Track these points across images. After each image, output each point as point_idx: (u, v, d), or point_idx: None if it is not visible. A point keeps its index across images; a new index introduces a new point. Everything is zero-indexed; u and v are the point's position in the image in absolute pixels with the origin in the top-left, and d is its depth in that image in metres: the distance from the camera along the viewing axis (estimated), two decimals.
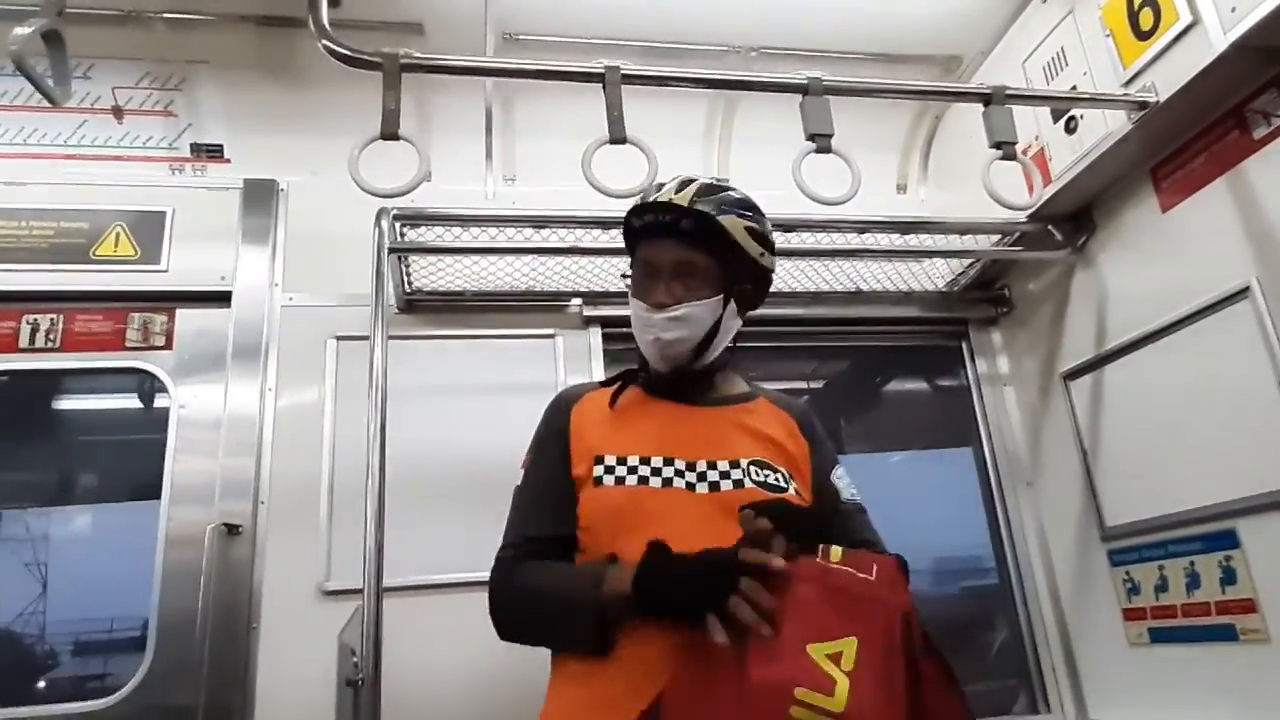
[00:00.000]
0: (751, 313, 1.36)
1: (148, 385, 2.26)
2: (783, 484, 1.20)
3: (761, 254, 1.28)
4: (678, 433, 1.24)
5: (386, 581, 1.70)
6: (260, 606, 2.02)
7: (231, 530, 2.05)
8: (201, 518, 2.06)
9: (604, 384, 1.35)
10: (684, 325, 1.23)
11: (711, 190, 1.25)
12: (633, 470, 1.19)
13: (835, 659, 0.94)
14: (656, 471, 1.19)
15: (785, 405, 1.36)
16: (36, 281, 2.18)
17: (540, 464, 1.28)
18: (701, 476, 1.19)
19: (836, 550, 1.01)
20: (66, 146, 2.31)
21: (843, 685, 0.91)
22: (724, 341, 1.29)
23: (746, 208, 1.28)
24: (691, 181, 1.26)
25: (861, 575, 1.00)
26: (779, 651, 0.95)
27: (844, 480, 1.32)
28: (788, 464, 1.25)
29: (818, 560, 1.01)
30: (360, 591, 1.69)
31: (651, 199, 1.25)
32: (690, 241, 1.24)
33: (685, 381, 1.31)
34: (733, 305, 1.27)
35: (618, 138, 1.58)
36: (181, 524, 2.07)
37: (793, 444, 1.29)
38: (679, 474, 1.19)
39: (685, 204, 1.22)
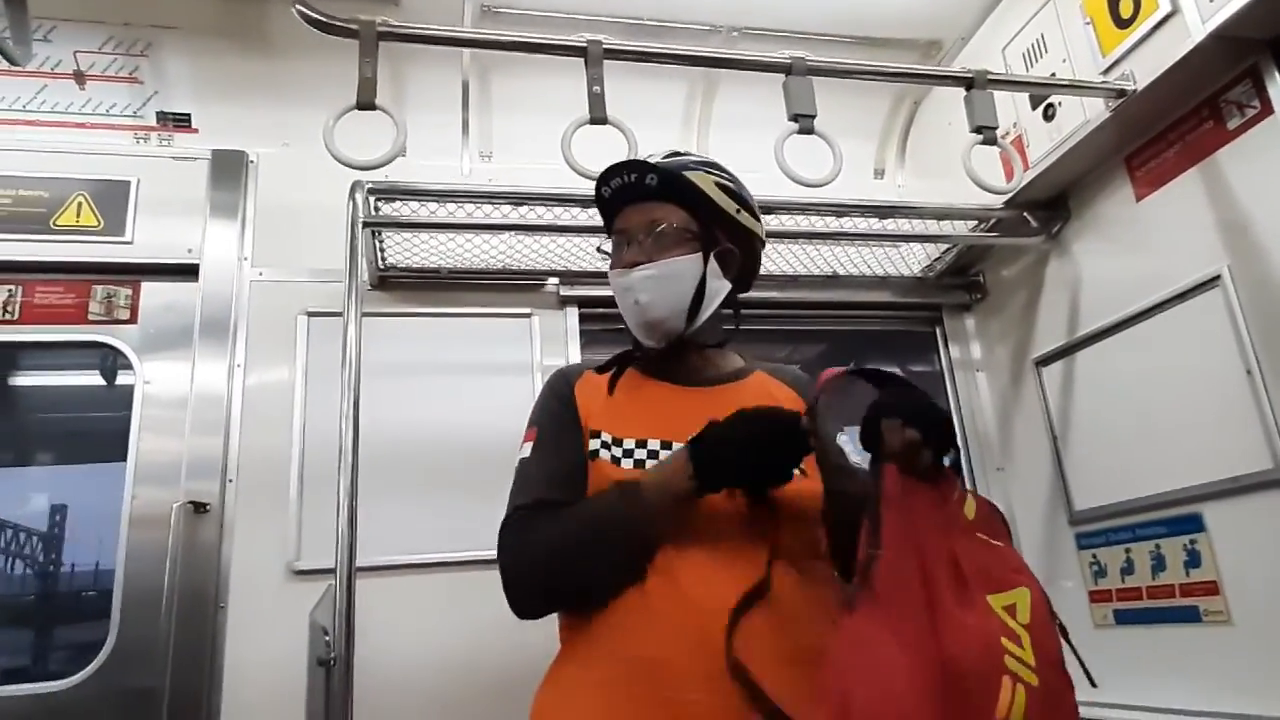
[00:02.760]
0: (746, 291, 1.33)
1: (111, 360, 2.21)
2: None
3: (739, 211, 1.25)
4: (674, 415, 1.19)
5: (358, 561, 1.68)
6: (229, 586, 1.98)
7: (199, 509, 2.01)
8: (167, 496, 2.01)
9: (600, 369, 1.30)
10: (662, 284, 1.20)
11: (679, 154, 1.27)
12: (628, 454, 1.16)
13: (1011, 611, 0.85)
14: (654, 455, 1.16)
15: (781, 375, 1.33)
16: None
17: (552, 431, 1.23)
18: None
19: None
20: (25, 111, 2.23)
21: (1026, 641, 0.83)
22: (711, 306, 1.24)
23: (716, 167, 1.27)
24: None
25: (997, 518, 0.93)
26: (965, 597, 0.85)
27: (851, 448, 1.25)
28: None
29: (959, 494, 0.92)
30: (331, 571, 1.66)
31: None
32: (660, 200, 1.22)
33: (679, 361, 1.27)
34: (715, 266, 1.23)
35: (598, 117, 1.55)
36: (146, 502, 2.03)
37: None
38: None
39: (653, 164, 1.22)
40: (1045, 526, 2.33)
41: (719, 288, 1.25)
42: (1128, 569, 2.04)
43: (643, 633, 1.04)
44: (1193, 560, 1.86)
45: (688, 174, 1.22)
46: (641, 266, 1.20)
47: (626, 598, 1.07)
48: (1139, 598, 2.00)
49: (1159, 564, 1.95)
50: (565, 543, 1.11)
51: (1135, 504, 2.01)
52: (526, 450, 1.23)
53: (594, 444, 1.18)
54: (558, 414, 1.24)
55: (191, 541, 1.99)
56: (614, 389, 1.25)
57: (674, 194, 1.22)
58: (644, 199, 1.23)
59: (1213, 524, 1.82)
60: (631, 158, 1.26)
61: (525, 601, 1.14)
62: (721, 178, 1.26)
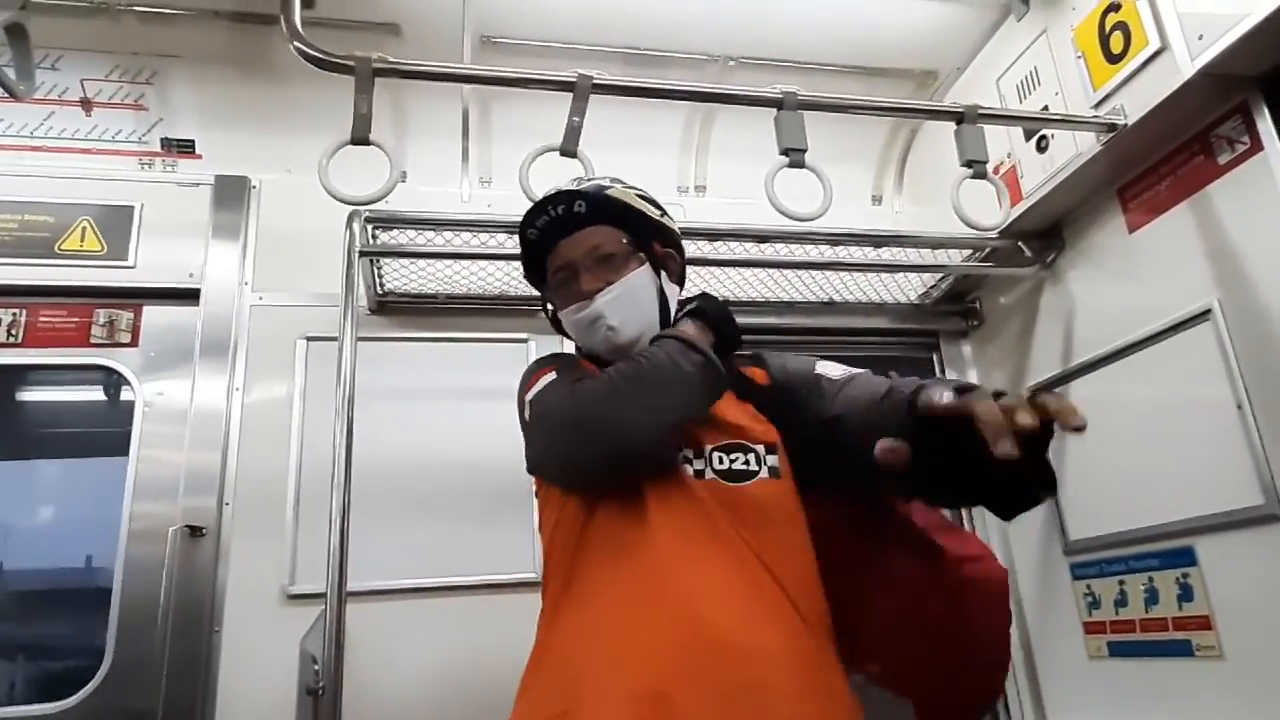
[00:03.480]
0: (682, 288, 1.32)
1: (113, 382, 2.23)
2: (751, 467, 1.12)
3: (663, 215, 1.27)
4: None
5: (351, 585, 1.68)
6: (223, 609, 1.99)
7: (195, 532, 2.02)
8: (165, 518, 2.03)
9: None
10: (627, 303, 1.19)
11: (601, 180, 1.26)
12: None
13: None
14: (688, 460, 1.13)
15: (753, 362, 1.29)
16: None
17: (573, 367, 1.21)
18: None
19: None
20: (33, 138, 2.26)
21: None
22: (673, 309, 1.25)
23: (620, 181, 1.27)
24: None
25: None
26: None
27: (832, 368, 1.22)
28: (765, 432, 1.16)
29: None
30: (325, 595, 1.68)
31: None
32: (592, 225, 1.21)
33: None
34: (664, 275, 1.25)
35: (568, 149, 1.58)
36: (144, 524, 2.04)
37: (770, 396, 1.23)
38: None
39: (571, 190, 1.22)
40: (1040, 556, 2.33)
41: (673, 293, 1.27)
42: (1121, 601, 2.03)
43: (638, 659, 0.98)
44: (1185, 594, 1.86)
45: (608, 193, 1.22)
46: (603, 291, 1.18)
47: (612, 596, 1.04)
48: (1132, 630, 1.99)
49: (1152, 597, 1.94)
50: (629, 375, 1.08)
51: (1129, 536, 2.00)
52: (544, 381, 1.17)
53: None
54: (578, 363, 1.24)
55: (187, 564, 2.00)
56: None
57: (602, 216, 1.21)
58: (575, 229, 1.21)
59: (1205, 558, 1.81)
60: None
61: (584, 450, 1.08)
62: (635, 189, 1.26)
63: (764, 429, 1.16)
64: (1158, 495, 1.93)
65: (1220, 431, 1.76)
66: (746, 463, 1.12)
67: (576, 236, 1.21)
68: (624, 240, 1.21)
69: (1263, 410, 1.69)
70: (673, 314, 1.25)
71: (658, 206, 1.28)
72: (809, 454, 1.15)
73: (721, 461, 1.12)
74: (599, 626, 1.04)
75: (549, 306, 1.29)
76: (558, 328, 1.28)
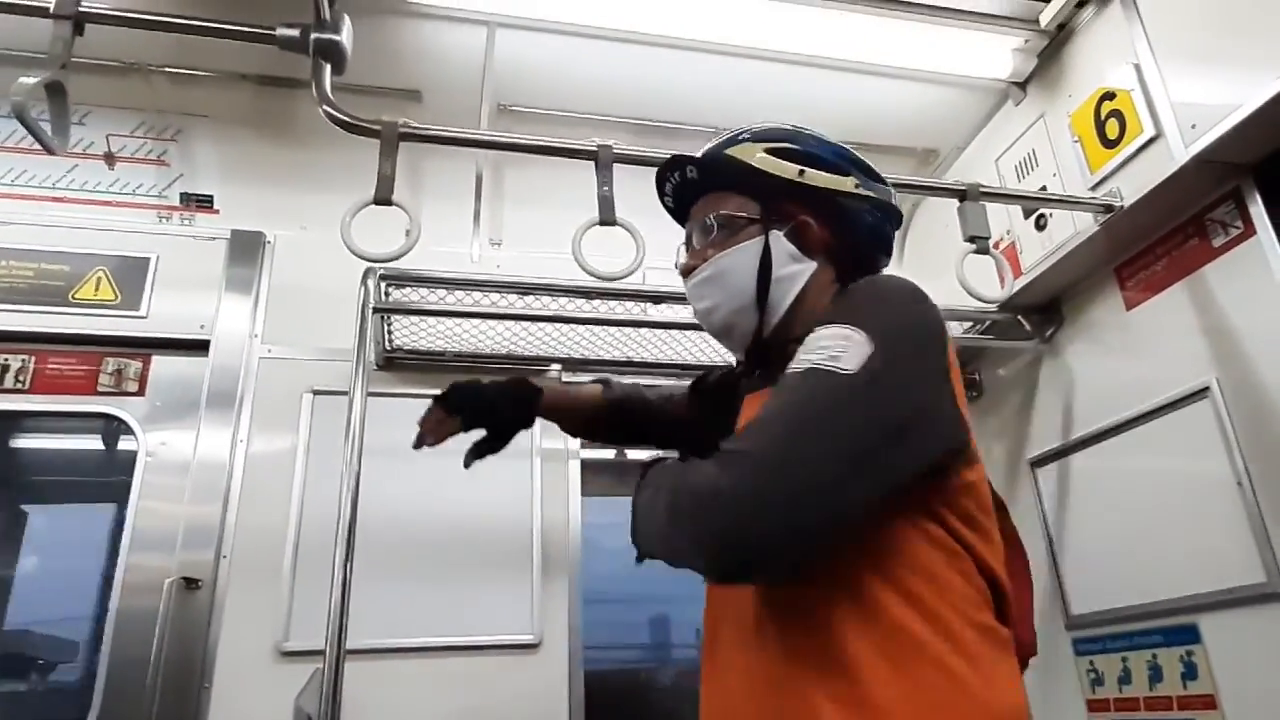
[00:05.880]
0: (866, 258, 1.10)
1: (116, 431, 2.24)
2: None
3: (801, 172, 1.05)
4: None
5: (350, 644, 1.66)
6: (214, 665, 1.96)
7: (190, 584, 2.00)
8: (161, 569, 2.01)
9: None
10: (716, 285, 1.06)
11: (736, 132, 1.11)
12: None
13: None
14: None
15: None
16: (11, 322, 2.15)
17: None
18: None
19: None
20: (55, 189, 2.31)
21: None
22: (790, 293, 1.04)
23: (771, 136, 1.08)
24: None
25: None
26: None
27: (814, 351, 0.89)
28: None
29: None
30: (320, 653, 1.65)
31: None
32: (714, 191, 1.09)
33: (764, 364, 1.09)
34: (786, 245, 1.04)
35: (607, 219, 1.61)
36: (139, 574, 2.02)
37: None
38: None
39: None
40: (1042, 630, 2.29)
41: (797, 270, 1.04)
42: (1125, 678, 2.01)
43: None
44: (1189, 672, 1.84)
45: (730, 151, 1.08)
46: (694, 271, 1.08)
47: None
48: (1136, 708, 1.97)
49: (1156, 674, 1.92)
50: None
51: (1132, 611, 1.99)
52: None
53: None
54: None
55: (181, 616, 1.98)
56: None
57: (722, 180, 1.09)
58: (700, 194, 1.12)
59: (1209, 636, 1.81)
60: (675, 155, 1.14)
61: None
62: (776, 142, 1.07)
63: None
64: (1160, 571, 1.93)
65: (1221, 508, 1.77)
66: None
67: (699, 204, 1.12)
68: (740, 208, 1.06)
69: (1263, 487, 1.70)
70: (790, 294, 1.04)
71: (810, 159, 1.05)
72: None
73: None
74: None
75: None
76: None
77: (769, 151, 1.06)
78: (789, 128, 1.11)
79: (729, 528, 0.80)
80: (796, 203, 1.05)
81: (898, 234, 2.84)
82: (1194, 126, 1.73)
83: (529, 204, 2.60)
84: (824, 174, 1.05)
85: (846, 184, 1.06)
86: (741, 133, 1.10)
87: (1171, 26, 1.82)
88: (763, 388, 1.01)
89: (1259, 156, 1.72)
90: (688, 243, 1.13)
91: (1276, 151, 1.70)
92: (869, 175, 1.09)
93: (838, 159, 1.07)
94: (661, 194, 1.16)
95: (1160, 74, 1.82)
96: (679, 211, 1.17)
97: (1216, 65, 1.71)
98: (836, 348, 0.87)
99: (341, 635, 1.64)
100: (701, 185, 1.10)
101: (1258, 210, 1.74)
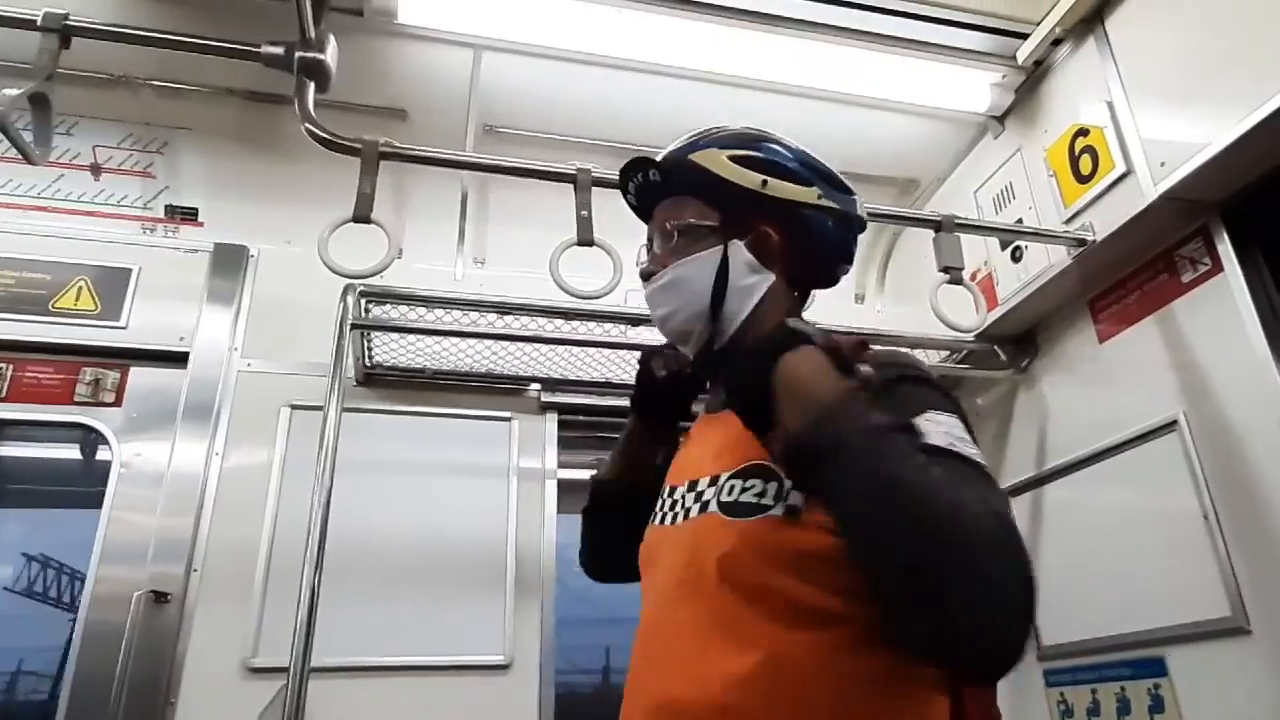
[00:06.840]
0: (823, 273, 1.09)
1: (91, 441, 2.23)
2: (765, 501, 0.87)
3: (765, 183, 1.02)
4: (697, 448, 1.04)
5: (317, 661, 1.65)
6: (181, 681, 1.94)
7: (159, 598, 1.99)
8: (131, 583, 1.99)
9: None
10: (672, 293, 1.03)
11: (701, 134, 1.08)
12: (660, 508, 1.06)
13: None
14: (663, 504, 1.04)
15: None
16: None
17: None
18: (678, 504, 0.99)
19: None
20: (40, 199, 2.32)
21: None
22: (745, 305, 1.01)
23: (736, 142, 1.05)
24: None
25: None
26: None
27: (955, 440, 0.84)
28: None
29: None
30: (288, 670, 1.64)
31: None
32: (677, 195, 1.06)
33: (714, 374, 1.09)
34: (746, 256, 1.01)
35: (585, 239, 1.63)
36: (109, 586, 2.00)
37: None
38: (673, 504, 1.01)
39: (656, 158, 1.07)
40: None
41: (755, 281, 1.02)
42: (1094, 710, 2.01)
43: None
44: (1157, 705, 1.85)
45: (694, 156, 1.04)
46: (653, 277, 1.06)
47: None
48: None
49: (1124, 707, 1.93)
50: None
51: (1101, 643, 2.00)
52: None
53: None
54: None
55: (148, 631, 1.95)
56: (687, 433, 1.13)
57: (684, 184, 1.06)
58: (663, 196, 1.09)
59: (1175, 669, 1.82)
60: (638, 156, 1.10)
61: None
62: (740, 149, 1.04)
63: None
64: (1129, 602, 1.94)
65: (1188, 541, 1.79)
66: (757, 495, 0.91)
67: (661, 207, 1.09)
68: (701, 214, 1.03)
69: (1228, 522, 1.72)
70: (746, 306, 1.01)
71: (774, 169, 1.03)
72: None
73: (729, 493, 0.96)
74: None
75: None
76: None
77: (733, 159, 1.03)
78: (754, 132, 1.09)
79: (1033, 608, 0.71)
80: (758, 212, 1.02)
81: (879, 262, 2.89)
82: (1163, 164, 1.76)
83: (514, 224, 2.61)
84: (787, 184, 1.03)
85: (809, 195, 1.04)
86: (707, 135, 1.08)
87: (1144, 66, 1.87)
88: (720, 410, 1.02)
89: (1226, 194, 1.76)
90: (649, 245, 1.11)
91: (1243, 190, 1.74)
92: (832, 184, 1.07)
93: (801, 168, 1.05)
94: (625, 192, 1.15)
95: (1131, 112, 1.86)
96: (642, 209, 1.15)
97: (1186, 104, 1.75)
98: (965, 441, 0.85)
99: (307, 652, 1.63)
100: (664, 188, 1.09)
101: (1225, 248, 1.77)
